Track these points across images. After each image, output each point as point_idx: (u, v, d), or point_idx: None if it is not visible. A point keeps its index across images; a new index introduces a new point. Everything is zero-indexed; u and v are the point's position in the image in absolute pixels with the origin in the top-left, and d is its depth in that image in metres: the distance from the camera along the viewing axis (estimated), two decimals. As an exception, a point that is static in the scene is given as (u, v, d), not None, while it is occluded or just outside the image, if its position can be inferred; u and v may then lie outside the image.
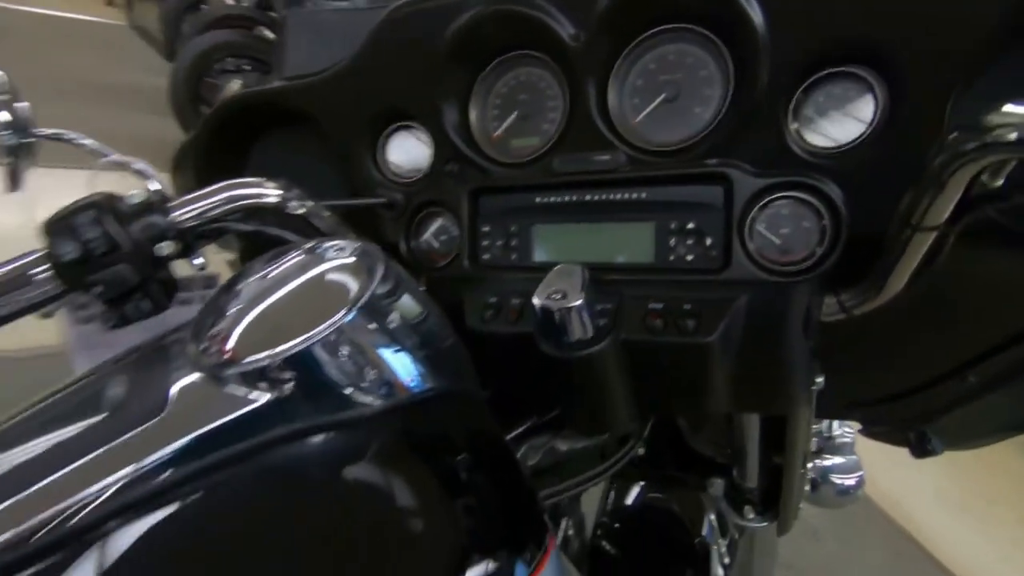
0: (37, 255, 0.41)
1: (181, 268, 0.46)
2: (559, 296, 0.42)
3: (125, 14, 4.61)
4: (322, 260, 0.36)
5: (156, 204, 0.42)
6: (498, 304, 0.49)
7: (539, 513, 0.41)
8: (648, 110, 0.47)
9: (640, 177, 0.47)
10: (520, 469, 0.42)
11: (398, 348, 0.34)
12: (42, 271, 0.40)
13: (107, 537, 0.27)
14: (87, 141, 0.47)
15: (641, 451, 0.61)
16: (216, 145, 0.62)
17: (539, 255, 0.50)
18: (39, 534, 0.26)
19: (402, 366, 0.34)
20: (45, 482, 0.28)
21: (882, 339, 0.46)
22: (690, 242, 0.45)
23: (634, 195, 0.47)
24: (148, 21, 4.19)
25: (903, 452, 0.55)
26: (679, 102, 0.46)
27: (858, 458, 0.77)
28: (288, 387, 0.31)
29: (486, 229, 0.52)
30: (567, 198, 0.49)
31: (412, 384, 0.34)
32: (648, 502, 0.80)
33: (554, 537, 0.41)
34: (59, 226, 0.39)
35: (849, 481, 0.76)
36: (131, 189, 0.43)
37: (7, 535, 0.26)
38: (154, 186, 0.44)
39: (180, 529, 0.28)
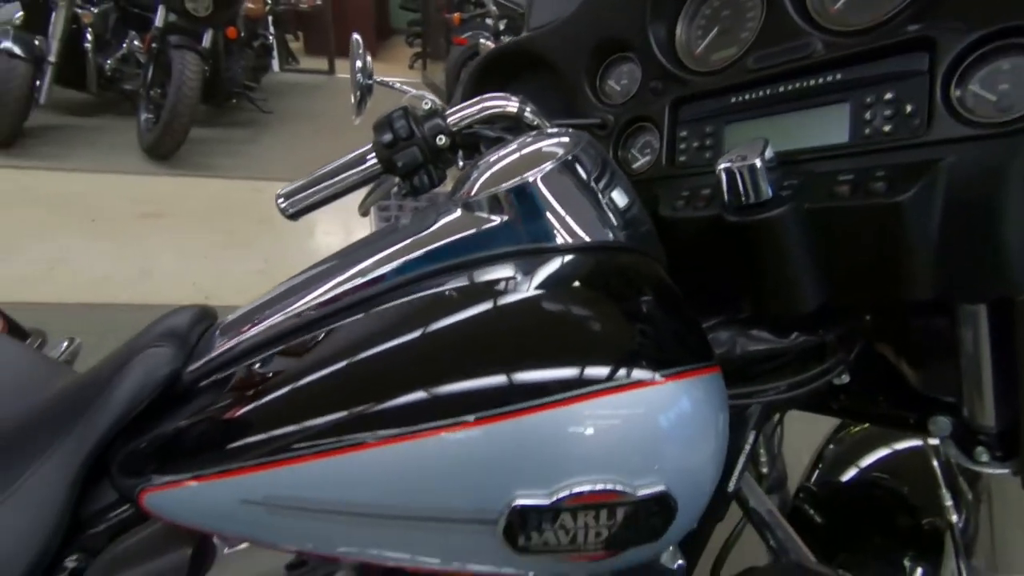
0: (367, 147, 0.62)
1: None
2: (741, 159, 0.44)
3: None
4: (543, 138, 0.52)
5: (437, 112, 0.62)
6: (689, 195, 0.53)
7: (707, 347, 0.46)
8: None
9: (836, 58, 0.46)
10: (691, 317, 0.46)
11: (598, 203, 0.49)
12: (369, 155, 0.62)
13: (376, 306, 0.46)
14: (398, 84, 0.75)
15: (845, 378, 0.58)
16: (477, 91, 0.72)
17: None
18: (337, 304, 0.47)
19: (601, 218, 0.48)
20: (347, 273, 0.48)
21: None
22: (888, 113, 0.43)
23: (828, 78, 0.46)
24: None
25: None
26: None
27: None
28: (512, 214, 0.47)
29: (683, 134, 0.57)
30: (760, 93, 0.50)
31: (607, 235, 0.47)
32: (863, 468, 0.74)
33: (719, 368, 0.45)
34: (381, 123, 0.61)
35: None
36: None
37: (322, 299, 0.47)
38: (437, 104, 0.66)
39: (426, 308, 0.45)
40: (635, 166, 0.63)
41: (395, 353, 0.44)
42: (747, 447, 0.64)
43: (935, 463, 0.71)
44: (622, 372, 0.42)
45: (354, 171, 0.64)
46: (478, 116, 0.62)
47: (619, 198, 0.52)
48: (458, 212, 0.51)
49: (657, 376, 0.43)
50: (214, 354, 0.51)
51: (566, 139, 0.52)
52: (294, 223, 0.70)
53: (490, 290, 0.45)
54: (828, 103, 0.47)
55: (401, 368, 0.44)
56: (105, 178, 3.23)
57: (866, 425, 0.90)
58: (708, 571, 0.74)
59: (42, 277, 2.39)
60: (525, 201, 0.49)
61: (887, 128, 0.43)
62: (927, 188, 0.38)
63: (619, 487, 0.42)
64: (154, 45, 3.41)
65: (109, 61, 3.80)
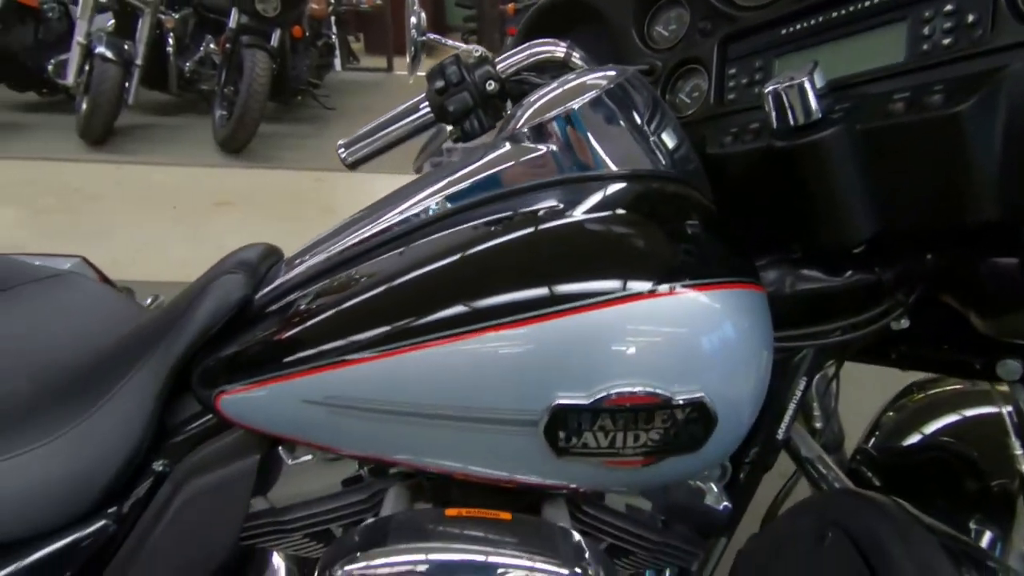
0: (420, 96, 0.66)
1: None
2: (788, 80, 0.42)
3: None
4: (587, 73, 0.55)
5: (487, 59, 0.66)
6: (738, 132, 0.52)
7: (751, 268, 0.47)
8: None
9: None
10: (737, 241, 0.47)
11: (644, 133, 0.50)
12: (422, 104, 0.66)
13: (426, 236, 0.49)
14: (449, 42, 0.80)
15: (905, 323, 0.55)
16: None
17: None
18: (390, 233, 0.51)
19: (647, 148, 0.49)
20: (400, 207, 0.52)
21: None
22: (948, 25, 0.41)
23: None
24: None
25: None
26: None
27: None
28: (556, 143, 0.49)
29: (732, 72, 0.56)
30: (811, 21, 0.49)
31: (652, 164, 0.49)
32: (928, 435, 0.72)
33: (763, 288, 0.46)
34: (434, 70, 0.64)
35: None
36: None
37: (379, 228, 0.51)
38: (487, 53, 0.71)
39: (473, 230, 0.47)
40: (683, 109, 0.63)
41: (443, 267, 0.47)
42: (798, 394, 0.62)
43: (1008, 421, 0.67)
44: (663, 279, 0.43)
45: (408, 120, 0.68)
46: (526, 62, 0.65)
47: (668, 137, 0.52)
48: (505, 146, 0.53)
49: (697, 284, 0.43)
50: (281, 281, 0.55)
51: (611, 72, 0.54)
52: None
53: (535, 214, 0.47)
54: (883, 24, 0.45)
55: (450, 278, 0.47)
56: (184, 170, 3.47)
57: (931, 392, 0.86)
58: (759, 526, 0.73)
59: (130, 260, 2.61)
60: (569, 130, 0.50)
61: (947, 41, 0.41)
62: (989, 97, 0.36)
63: (658, 390, 0.43)
64: (228, 45, 3.64)
65: (188, 64, 4.09)
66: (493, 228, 0.47)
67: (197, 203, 3.13)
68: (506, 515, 0.53)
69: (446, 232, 0.49)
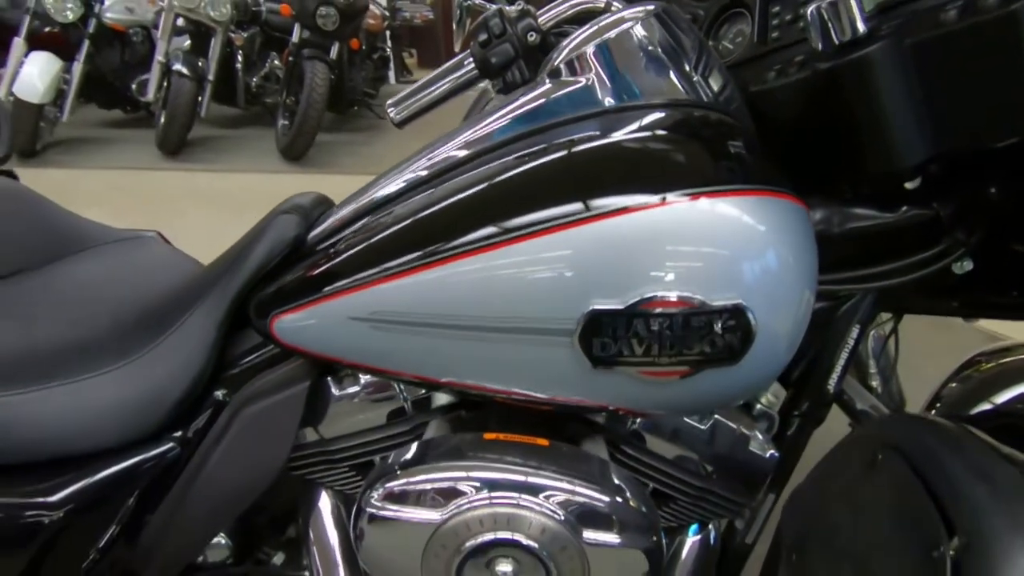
0: (464, 54, 0.68)
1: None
2: None
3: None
4: (626, 8, 0.56)
5: (529, 12, 0.67)
6: (781, 68, 0.51)
7: (790, 186, 0.46)
8: None
9: None
10: (775, 163, 0.46)
11: (684, 64, 0.50)
12: (467, 61, 0.68)
13: (468, 170, 0.50)
14: (494, 5, 0.79)
15: (968, 265, 0.52)
16: None
17: None
18: (435, 168, 0.52)
19: (687, 78, 0.49)
20: (442, 147, 0.55)
21: None
22: None
23: None
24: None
25: None
26: None
27: None
28: (595, 73, 0.50)
29: (776, 10, 0.55)
30: None
31: (693, 94, 0.49)
32: (997, 404, 0.69)
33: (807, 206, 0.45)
34: (478, 25, 0.66)
35: None
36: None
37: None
38: (528, 6, 0.72)
39: (513, 156, 0.48)
40: (727, 57, 0.62)
41: (480, 187, 0.48)
42: (850, 343, 0.60)
43: None
44: (698, 184, 0.43)
45: (453, 76, 0.70)
46: (567, 13, 0.66)
47: (709, 72, 0.52)
48: (545, 83, 0.54)
49: (734, 190, 0.43)
50: (331, 221, 0.59)
51: (650, 6, 0.54)
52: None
53: (572, 140, 0.48)
54: None
55: (486, 194, 0.48)
56: (249, 176, 3.68)
57: (1001, 361, 0.80)
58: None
59: (204, 257, 2.79)
60: (607, 60, 0.51)
61: None
62: None
63: (694, 296, 0.43)
64: (290, 59, 3.85)
65: (255, 79, 4.35)
66: (530, 153, 0.48)
67: (261, 205, 3.27)
68: (544, 441, 0.54)
69: (485, 162, 0.51)
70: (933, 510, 0.36)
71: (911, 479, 0.40)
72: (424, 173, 0.54)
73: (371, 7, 4.46)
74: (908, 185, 0.49)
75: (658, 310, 0.43)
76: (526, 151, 0.49)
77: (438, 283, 0.47)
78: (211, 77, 3.91)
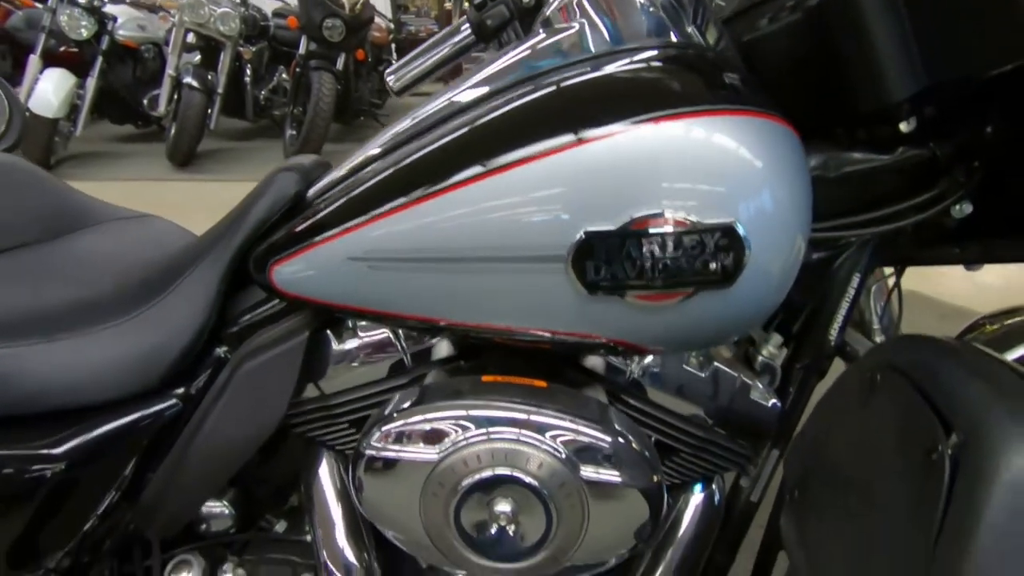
0: (461, 19, 0.68)
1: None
2: None
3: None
4: None
5: None
6: (772, 16, 0.52)
7: (782, 111, 0.46)
8: None
9: None
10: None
11: (675, 9, 0.51)
12: (463, 26, 0.67)
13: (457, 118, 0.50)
14: None
15: (967, 208, 0.52)
16: None
17: None
18: (432, 119, 0.52)
19: (680, 20, 0.50)
20: (436, 102, 0.54)
21: None
22: None
23: None
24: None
25: None
26: None
27: None
28: (588, 18, 0.51)
29: None
30: None
31: (685, 36, 0.50)
32: None
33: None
34: None
35: None
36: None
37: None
38: None
39: (503, 96, 0.48)
40: (720, 15, 0.62)
41: (470, 122, 0.49)
42: (850, 292, 0.59)
43: None
44: (688, 104, 0.43)
45: (450, 43, 0.70)
46: None
47: (702, 19, 0.52)
48: (539, 32, 0.55)
49: (723, 109, 0.43)
50: (331, 177, 0.59)
51: None
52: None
53: (562, 76, 0.48)
54: None
55: (475, 128, 0.48)
56: (254, 184, 3.74)
57: (1006, 323, 0.79)
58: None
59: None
60: (599, 4, 0.51)
61: None
62: None
63: (688, 216, 0.43)
64: (298, 70, 3.93)
65: (263, 92, 4.43)
66: (519, 94, 0.49)
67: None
68: (542, 383, 0.54)
69: (475, 108, 0.51)
70: (931, 415, 0.36)
71: (909, 391, 0.40)
72: (417, 126, 0.54)
73: (376, 20, 4.54)
74: (903, 128, 0.49)
75: (650, 230, 0.43)
76: (515, 93, 0.49)
77: (432, 218, 0.47)
78: (220, 90, 3.99)
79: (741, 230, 0.43)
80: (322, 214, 0.53)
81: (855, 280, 0.60)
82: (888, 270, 0.71)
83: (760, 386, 0.60)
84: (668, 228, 0.43)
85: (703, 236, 0.43)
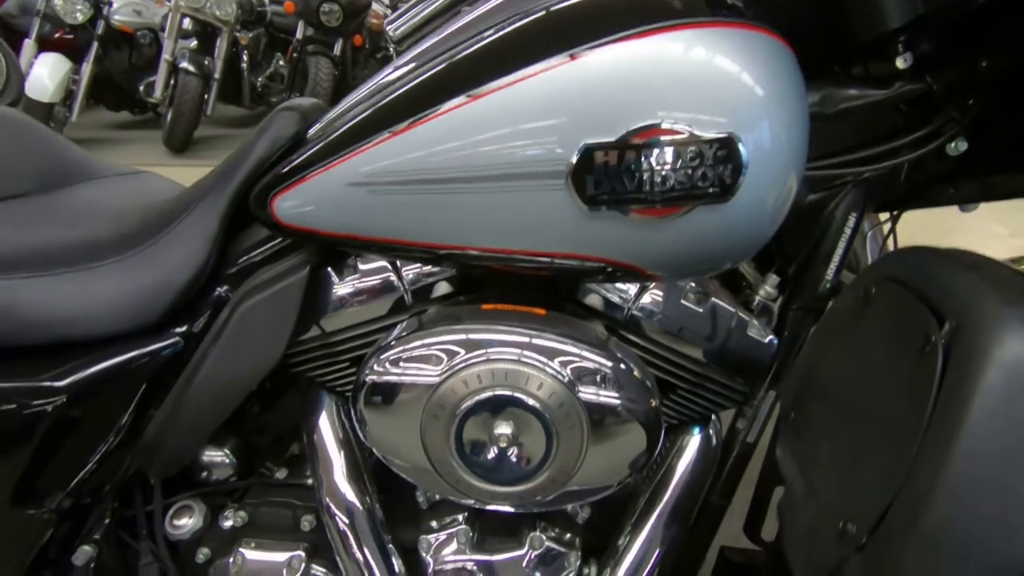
0: None
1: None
2: None
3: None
4: None
5: None
6: None
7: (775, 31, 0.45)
8: None
9: None
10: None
11: None
12: None
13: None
14: None
15: (963, 146, 0.52)
16: None
17: None
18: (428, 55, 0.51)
19: None
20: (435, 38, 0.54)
21: None
22: None
23: None
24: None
25: None
26: None
27: None
28: None
29: None
30: None
31: None
32: None
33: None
34: None
35: None
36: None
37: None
38: None
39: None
40: None
41: (465, 52, 0.49)
42: (847, 233, 0.60)
43: None
44: (687, 15, 0.43)
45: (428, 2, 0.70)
46: None
47: None
48: None
49: (719, 21, 0.43)
50: (328, 117, 0.59)
51: None
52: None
53: (551, 1, 0.48)
54: None
55: (470, 51, 0.48)
56: (255, 171, 3.73)
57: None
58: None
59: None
60: None
61: None
62: None
63: (687, 127, 0.43)
64: (295, 55, 3.91)
65: (260, 79, 4.41)
66: (512, 17, 0.49)
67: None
68: (541, 311, 0.54)
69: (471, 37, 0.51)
70: (924, 310, 0.36)
71: (903, 294, 0.40)
72: (412, 64, 0.55)
73: (374, 6, 4.52)
74: (900, 64, 0.50)
75: (649, 141, 0.43)
76: (507, 20, 0.49)
77: (431, 139, 0.48)
78: (217, 76, 3.97)
79: (739, 141, 0.43)
80: (321, 144, 0.53)
81: (851, 221, 0.60)
82: (884, 216, 0.71)
83: (756, 324, 0.61)
84: (667, 138, 0.43)
85: (701, 147, 0.43)
